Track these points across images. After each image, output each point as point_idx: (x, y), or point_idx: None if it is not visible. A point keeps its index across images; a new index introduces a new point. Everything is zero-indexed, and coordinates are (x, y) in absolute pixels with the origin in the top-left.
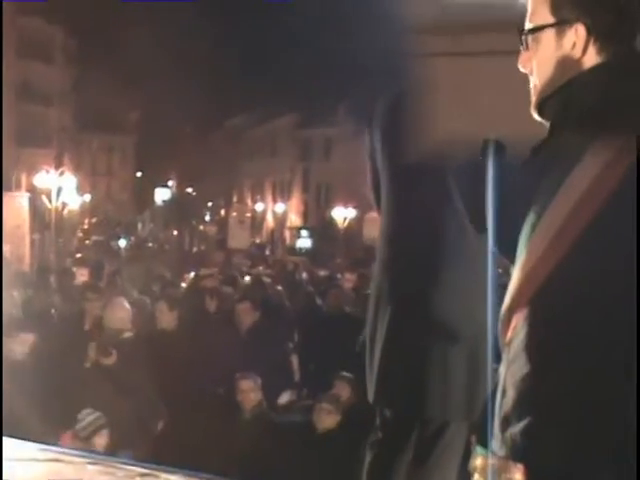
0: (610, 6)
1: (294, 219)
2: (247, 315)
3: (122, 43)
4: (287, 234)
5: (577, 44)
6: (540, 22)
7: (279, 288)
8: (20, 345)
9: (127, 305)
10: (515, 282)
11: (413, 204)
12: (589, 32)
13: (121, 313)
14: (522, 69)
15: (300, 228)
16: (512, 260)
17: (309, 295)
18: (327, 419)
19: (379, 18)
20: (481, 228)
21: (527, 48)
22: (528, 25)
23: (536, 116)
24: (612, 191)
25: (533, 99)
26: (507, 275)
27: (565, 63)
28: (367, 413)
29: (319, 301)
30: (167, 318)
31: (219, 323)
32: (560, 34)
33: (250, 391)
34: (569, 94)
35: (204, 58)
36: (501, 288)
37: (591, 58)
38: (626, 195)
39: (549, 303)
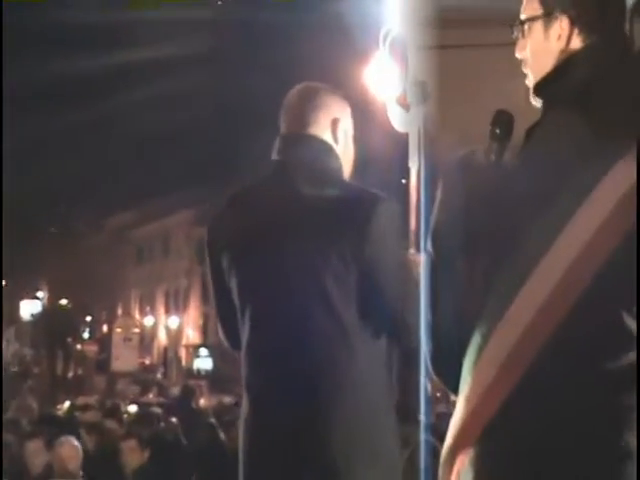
0: None
1: (191, 335)
2: (133, 455)
3: None
4: (183, 353)
5: (562, 35)
6: (530, 13)
7: (173, 420)
8: None
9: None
10: (459, 416)
11: (284, 318)
12: (573, 24)
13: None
14: (519, 56)
15: (198, 346)
16: (452, 387)
17: (210, 428)
18: None
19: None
20: (377, 332)
21: (523, 37)
22: (522, 16)
23: (534, 102)
24: (573, 302)
25: (529, 85)
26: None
27: (553, 52)
28: None
29: (222, 435)
30: (38, 460)
31: (99, 465)
32: (547, 25)
33: None
34: (559, 76)
35: (77, 145)
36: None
37: (576, 47)
38: (592, 297)
39: (500, 444)
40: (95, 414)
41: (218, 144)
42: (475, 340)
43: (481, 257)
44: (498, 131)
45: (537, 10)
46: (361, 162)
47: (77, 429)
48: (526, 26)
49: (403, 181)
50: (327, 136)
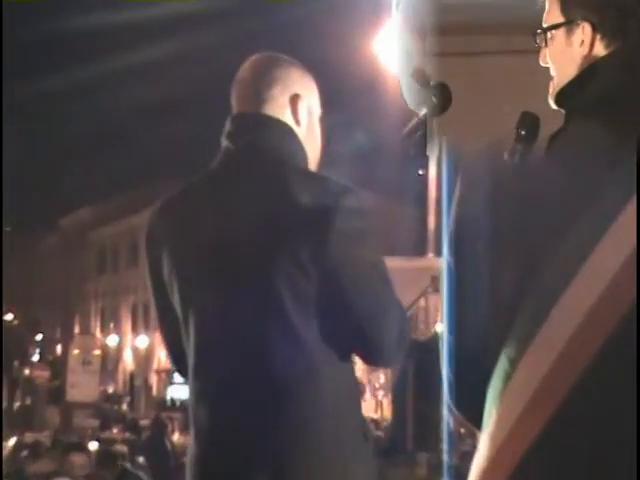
0: (614, 5)
1: (164, 358)
2: None
3: None
4: (154, 380)
5: (584, 41)
6: (552, 21)
7: (141, 461)
8: None
9: None
10: (483, 457)
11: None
12: (595, 30)
13: None
14: (543, 64)
15: (173, 371)
16: (475, 422)
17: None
18: None
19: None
20: (345, 353)
21: (546, 45)
22: (544, 24)
23: (553, 105)
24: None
25: (550, 90)
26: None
27: (575, 59)
28: None
29: None
30: None
31: None
32: (569, 32)
33: None
34: (582, 83)
35: (29, 126)
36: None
37: (599, 54)
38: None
39: None
40: (48, 452)
41: (199, 127)
42: (501, 366)
43: (509, 266)
44: (523, 132)
45: (559, 18)
46: (368, 149)
47: (23, 471)
48: (549, 34)
49: (420, 172)
50: (286, 116)
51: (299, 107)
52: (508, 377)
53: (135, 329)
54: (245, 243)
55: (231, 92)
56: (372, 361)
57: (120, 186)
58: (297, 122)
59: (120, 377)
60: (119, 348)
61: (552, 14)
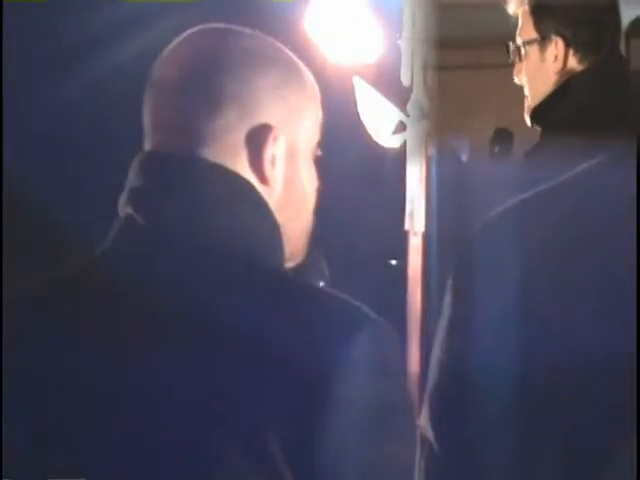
0: (586, 19)
1: None
2: None
3: None
4: None
5: (558, 57)
6: (526, 37)
7: None
8: None
9: None
10: None
11: None
12: (568, 45)
13: None
14: (517, 81)
15: None
16: None
17: None
18: None
19: None
20: None
21: (520, 61)
22: (517, 40)
23: (529, 123)
24: None
25: (525, 107)
26: None
27: (550, 74)
28: None
29: None
30: None
31: None
32: (543, 48)
33: None
34: (558, 99)
35: None
36: None
37: (573, 68)
38: None
39: None
40: None
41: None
42: None
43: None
44: (497, 149)
45: (532, 33)
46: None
47: None
48: (522, 50)
49: (393, 262)
50: (244, 167)
51: (266, 149)
52: None
53: None
54: (171, 412)
55: (143, 108)
56: None
57: None
58: (263, 179)
59: None
60: None
61: (525, 29)
